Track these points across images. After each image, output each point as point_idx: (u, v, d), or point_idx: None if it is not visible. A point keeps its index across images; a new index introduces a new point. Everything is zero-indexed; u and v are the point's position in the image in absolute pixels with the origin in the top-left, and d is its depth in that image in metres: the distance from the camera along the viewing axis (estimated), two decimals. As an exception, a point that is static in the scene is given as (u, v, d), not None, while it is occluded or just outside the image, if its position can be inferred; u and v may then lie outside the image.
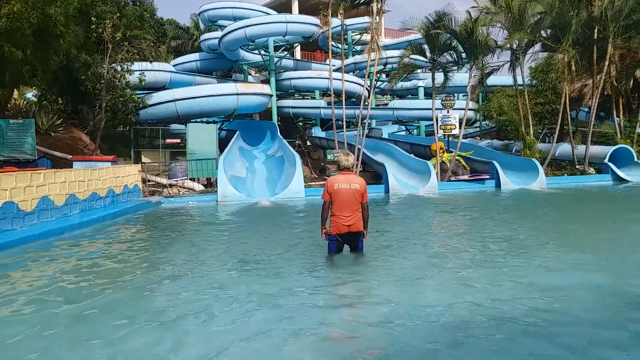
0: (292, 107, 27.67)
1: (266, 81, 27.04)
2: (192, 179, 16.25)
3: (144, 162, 16.71)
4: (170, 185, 15.65)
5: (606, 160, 17.86)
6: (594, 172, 18.27)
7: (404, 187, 15.73)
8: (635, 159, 18.04)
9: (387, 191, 15.33)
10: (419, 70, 26.99)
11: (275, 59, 26.13)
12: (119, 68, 17.32)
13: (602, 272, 5.64)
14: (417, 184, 16.11)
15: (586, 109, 22.94)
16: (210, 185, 16.34)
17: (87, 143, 17.75)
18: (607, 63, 18.35)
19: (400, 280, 5.39)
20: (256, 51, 26.40)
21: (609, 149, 18.29)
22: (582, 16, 18.01)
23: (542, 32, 19.20)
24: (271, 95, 23.83)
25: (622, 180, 17.27)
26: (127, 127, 19.73)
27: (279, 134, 21.68)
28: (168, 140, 19.08)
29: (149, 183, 15.60)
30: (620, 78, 20.52)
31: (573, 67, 19.27)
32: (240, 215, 11.74)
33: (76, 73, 16.91)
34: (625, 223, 9.33)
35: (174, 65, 27.94)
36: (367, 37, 27.66)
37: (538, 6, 17.64)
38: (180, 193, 15.24)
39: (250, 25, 22.94)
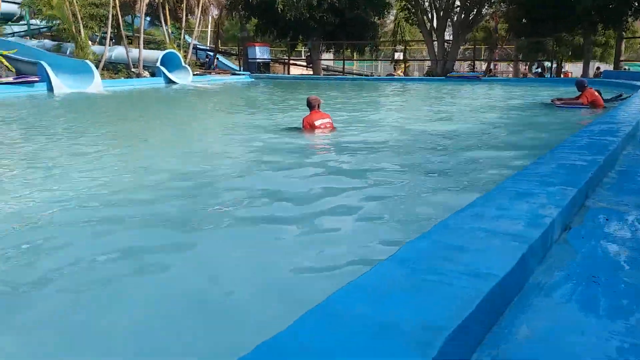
0: None
1: None
2: None
3: None
4: None
5: (158, 64, 18.97)
6: (148, 75, 19.19)
7: None
8: (183, 64, 19.90)
9: None
10: None
11: None
12: None
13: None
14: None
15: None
16: None
17: None
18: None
19: None
20: None
21: (159, 54, 19.43)
22: None
23: None
24: None
25: (172, 82, 18.85)
26: None
27: None
28: None
29: None
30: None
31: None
32: None
33: None
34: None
35: None
36: None
37: None
38: None
39: None
